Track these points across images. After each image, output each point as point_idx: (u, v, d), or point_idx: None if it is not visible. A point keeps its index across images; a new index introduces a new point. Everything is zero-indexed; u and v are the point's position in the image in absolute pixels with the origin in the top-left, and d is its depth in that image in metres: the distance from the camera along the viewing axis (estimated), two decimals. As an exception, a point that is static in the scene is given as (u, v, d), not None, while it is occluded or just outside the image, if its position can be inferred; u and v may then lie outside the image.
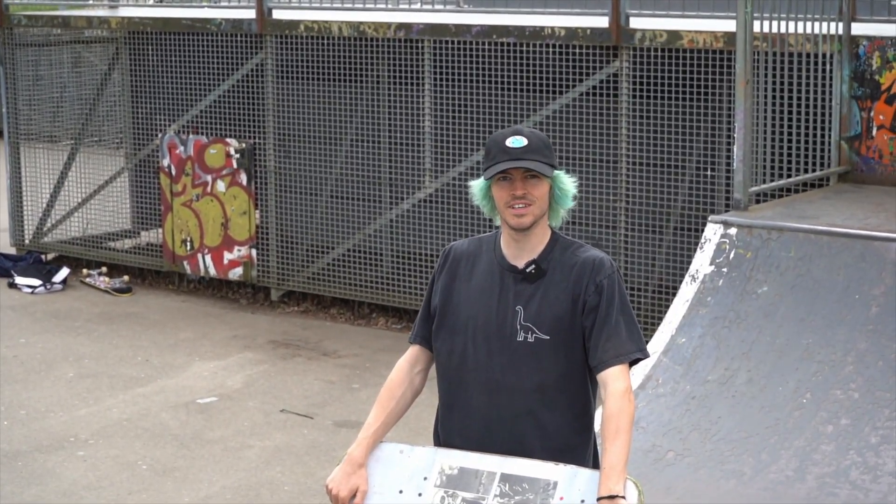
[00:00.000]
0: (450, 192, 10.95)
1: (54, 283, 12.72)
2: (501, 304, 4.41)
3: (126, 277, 12.88)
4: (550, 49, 10.24)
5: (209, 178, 12.15)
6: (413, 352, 4.61)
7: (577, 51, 10.10)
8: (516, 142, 4.34)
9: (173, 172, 12.41)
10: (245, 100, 12.04)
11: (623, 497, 4.13)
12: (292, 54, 11.72)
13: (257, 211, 11.96)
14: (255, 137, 11.97)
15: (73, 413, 9.24)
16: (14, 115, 13.81)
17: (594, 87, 10.13)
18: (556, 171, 4.41)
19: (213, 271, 12.23)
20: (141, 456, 8.46)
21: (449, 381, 4.52)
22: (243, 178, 11.94)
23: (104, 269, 13.05)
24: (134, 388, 9.78)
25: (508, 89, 10.55)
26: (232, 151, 11.99)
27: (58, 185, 13.69)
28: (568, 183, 4.44)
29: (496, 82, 10.61)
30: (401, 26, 10.93)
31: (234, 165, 11.97)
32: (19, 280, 12.74)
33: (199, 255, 12.28)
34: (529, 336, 4.37)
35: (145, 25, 12.64)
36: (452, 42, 10.71)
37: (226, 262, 12.11)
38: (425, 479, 4.32)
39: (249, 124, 12.00)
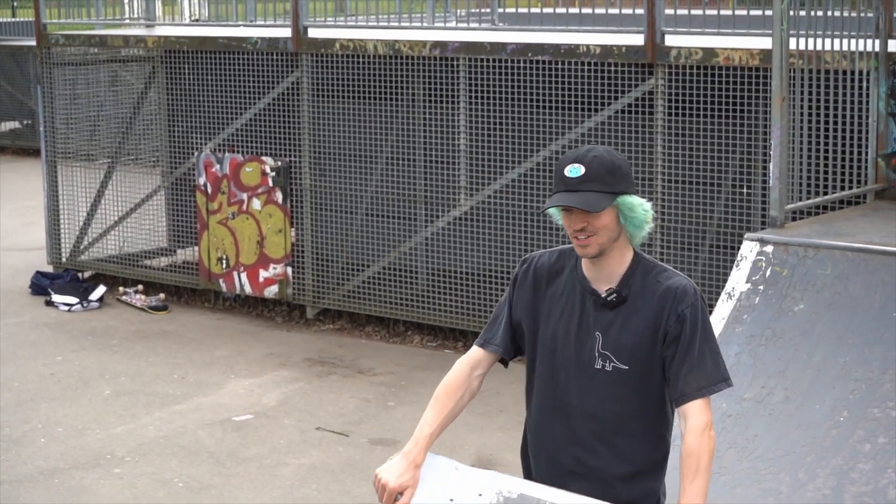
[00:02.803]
0: (485, 209, 10.96)
1: (91, 300, 12.78)
2: (582, 328, 4.29)
3: (162, 295, 12.93)
4: (586, 67, 10.24)
5: (245, 196, 12.19)
6: (476, 354, 4.48)
7: (613, 68, 10.10)
8: (573, 171, 4.17)
9: (209, 190, 12.45)
10: (281, 118, 12.08)
11: None
12: (328, 72, 11.75)
13: (293, 229, 11.99)
14: (290, 155, 12.00)
15: (109, 430, 9.27)
16: (51, 133, 13.88)
17: (629, 105, 10.13)
18: (622, 198, 4.19)
19: (248, 289, 12.26)
20: (177, 474, 8.48)
21: (532, 401, 4.44)
22: (279, 196, 11.97)
23: (140, 286, 13.10)
24: (170, 405, 9.81)
25: (544, 107, 10.55)
26: (268, 170, 12.03)
27: (94, 203, 13.76)
28: (637, 209, 4.21)
29: (531, 100, 10.62)
30: (436, 44, 10.95)
31: (270, 183, 12.01)
32: (56, 298, 12.80)
33: (235, 273, 12.31)
34: (608, 364, 4.26)
35: (181, 44, 12.70)
36: (488, 60, 10.72)
37: (261, 279, 12.15)
38: (480, 495, 4.27)
39: (285, 142, 12.03)
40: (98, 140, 14.25)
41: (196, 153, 12.64)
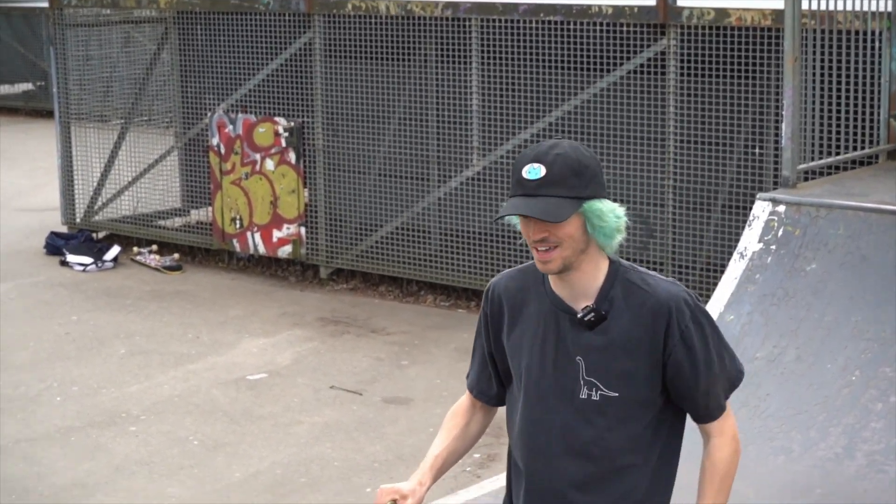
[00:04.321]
0: (497, 170, 10.98)
1: (105, 261, 12.84)
2: (560, 353, 3.72)
3: (176, 255, 12.99)
4: (598, 27, 10.24)
5: (258, 156, 12.23)
6: (473, 400, 4.02)
7: (625, 29, 10.10)
8: (532, 172, 3.57)
9: (222, 151, 12.49)
10: (293, 79, 12.10)
11: None
12: (340, 33, 11.76)
13: (306, 189, 12.02)
14: (303, 116, 12.02)
15: (124, 389, 9.34)
16: (65, 95, 13.92)
17: (641, 66, 10.13)
18: (590, 203, 3.59)
19: (262, 249, 12.31)
20: (192, 432, 8.55)
21: (511, 444, 3.92)
22: (292, 156, 12.01)
23: (155, 247, 13.16)
24: (184, 364, 9.88)
25: (556, 67, 10.55)
26: (280, 130, 12.06)
27: (108, 163, 13.80)
28: (607, 216, 3.60)
29: (543, 60, 10.62)
30: (448, 5, 10.95)
31: (283, 144, 12.04)
32: (71, 258, 12.86)
33: (249, 233, 12.36)
34: (594, 393, 3.69)
35: (194, 5, 12.70)
36: (500, 20, 10.72)
37: (275, 240, 12.19)
38: None
39: (298, 103, 12.05)
40: (111, 101, 14.28)
41: (209, 114, 12.67)
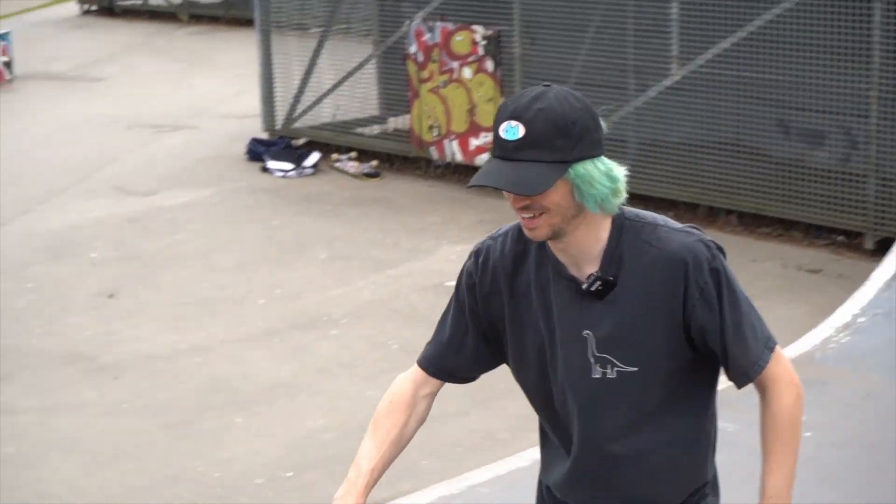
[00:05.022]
0: (697, 79, 10.88)
1: (305, 167, 13.08)
2: (565, 329, 3.26)
3: (375, 162, 13.16)
4: (804, -67, 10.04)
5: (456, 64, 12.29)
6: (420, 373, 3.50)
7: (832, -65, 9.88)
8: (510, 131, 3.07)
9: (420, 59, 12.58)
10: (492, -13, 12.09)
11: None
12: (539, -59, 11.71)
13: (503, 97, 12.06)
14: (500, 24, 12.03)
15: (325, 293, 9.54)
16: (265, 3, 14.11)
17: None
18: (578, 167, 3.07)
19: (459, 157, 12.40)
20: (392, 336, 8.71)
21: (541, 424, 3.52)
22: (489, 64, 12.04)
23: (353, 153, 13.35)
24: (384, 270, 10.04)
25: (759, -25, 10.38)
26: (478, 38, 12.09)
27: (307, 72, 13.99)
28: (599, 181, 3.09)
29: (746, -32, 10.45)
30: (650, -89, 10.82)
31: (481, 52, 12.08)
32: (271, 164, 13.13)
33: (446, 141, 12.46)
34: (609, 371, 3.24)
35: (394, -87, 12.75)
36: (702, -73, 10.57)
37: (472, 147, 12.27)
38: None
39: (495, 11, 12.06)
40: (310, 10, 14.44)
41: (407, 22, 12.75)
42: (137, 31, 23.15)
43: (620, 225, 3.20)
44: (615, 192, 3.11)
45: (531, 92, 3.12)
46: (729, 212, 10.73)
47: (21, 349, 8.58)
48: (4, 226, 11.40)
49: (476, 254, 3.42)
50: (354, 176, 12.91)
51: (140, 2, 24.87)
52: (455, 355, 3.45)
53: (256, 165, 13.33)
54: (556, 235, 3.15)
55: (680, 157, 10.98)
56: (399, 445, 3.43)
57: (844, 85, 10.05)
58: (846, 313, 8.45)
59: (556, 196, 3.07)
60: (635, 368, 3.22)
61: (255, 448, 7.10)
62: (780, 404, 3.24)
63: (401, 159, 13.21)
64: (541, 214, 3.10)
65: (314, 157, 13.25)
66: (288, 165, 13.07)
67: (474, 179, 3.10)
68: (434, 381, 3.48)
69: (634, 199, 11.92)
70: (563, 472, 3.42)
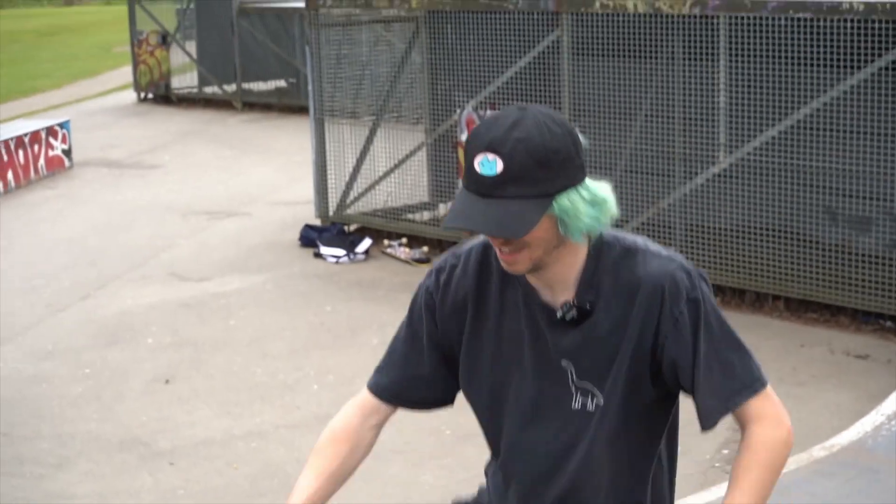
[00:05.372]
0: (744, 167, 11.00)
1: (357, 253, 13.24)
2: (540, 359, 3.07)
3: (425, 248, 13.31)
4: (848, 24, 10.17)
5: (505, 152, 12.42)
6: (370, 401, 3.36)
7: (876, 25, 10.01)
8: (486, 167, 2.84)
9: (471, 147, 12.72)
10: (541, 76, 12.29)
11: None
12: (588, 31, 11.88)
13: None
14: (550, 113, 12.17)
15: (378, 379, 9.61)
16: (319, 93, 14.35)
17: (893, 62, 10.03)
18: (562, 198, 2.86)
19: (508, 244, 12.50)
20: (444, 421, 8.76)
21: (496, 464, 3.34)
22: (539, 153, 12.17)
23: (404, 239, 13.52)
24: (435, 356, 10.10)
25: (804, 64, 10.51)
26: (528, 127, 12.22)
27: (360, 159, 14.19)
28: (582, 212, 2.88)
29: (792, 57, 10.59)
30: (696, 2, 10.99)
31: (530, 141, 12.21)
32: (324, 250, 13.30)
33: (496, 228, 12.55)
34: (590, 403, 3.03)
35: (444, 5, 12.99)
36: (748, 18, 10.73)
37: (521, 234, 12.36)
38: None
39: (545, 100, 12.22)
40: (362, 99, 14.67)
41: (458, 111, 12.95)
42: (192, 118, 23.50)
43: (599, 248, 3.03)
44: (601, 219, 2.92)
45: (506, 117, 2.87)
46: (776, 298, 10.82)
47: (77, 435, 8.71)
48: (62, 311, 11.61)
49: (438, 272, 3.21)
50: (405, 261, 13.07)
51: (196, 90, 25.26)
52: (409, 379, 3.27)
53: (309, 251, 13.51)
54: (537, 268, 2.98)
55: (726, 243, 11.08)
56: (338, 479, 3.26)
57: (891, 171, 10.14)
58: (897, 401, 8.48)
59: (539, 231, 2.89)
60: (616, 401, 3.03)
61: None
62: (763, 439, 2.98)
63: (451, 245, 13.35)
64: (521, 249, 2.92)
65: (366, 243, 13.42)
66: (340, 251, 13.24)
67: (450, 219, 2.90)
68: (385, 409, 3.33)
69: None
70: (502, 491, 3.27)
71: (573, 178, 2.88)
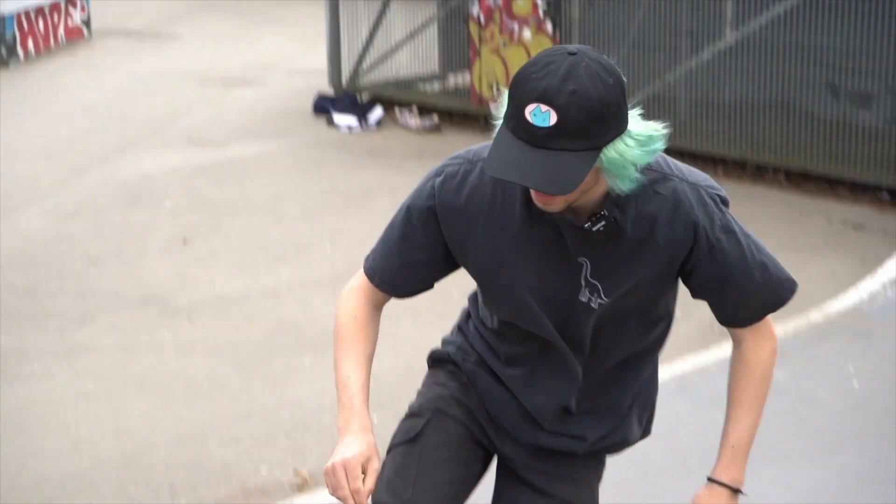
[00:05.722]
0: (749, 43, 11.12)
1: (369, 121, 13.42)
2: (558, 254, 3.05)
3: (435, 117, 13.49)
4: None
5: (516, 25, 12.58)
6: (370, 287, 3.35)
7: None
8: (539, 117, 2.71)
9: (482, 20, 12.88)
10: (552, -50, 12.32)
11: (743, 493, 3.22)
12: None
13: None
14: (560, -13, 12.23)
15: (388, 243, 9.80)
16: (333, -36, 14.40)
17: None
18: (610, 149, 2.75)
19: (517, 115, 12.64)
20: (452, 282, 8.74)
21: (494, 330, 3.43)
22: (549, 26, 12.32)
23: (415, 109, 13.68)
24: (444, 221, 10.28)
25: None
26: (539, 1, 12.37)
27: (373, 30, 14.30)
28: (628, 165, 2.79)
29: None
30: None
31: (541, 14, 12.36)
32: (337, 119, 13.47)
33: (505, 99, 12.70)
34: (594, 301, 3.07)
35: None
36: None
37: (530, 106, 12.51)
38: None
39: (555, -26, 12.31)
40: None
41: (470, -17, 13.02)
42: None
43: None
44: (646, 158, 2.82)
45: (559, 65, 2.72)
46: (776, 170, 11.04)
47: (100, 291, 8.84)
48: (84, 174, 11.83)
49: (447, 177, 3.16)
50: (415, 130, 13.26)
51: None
52: (408, 270, 3.26)
53: (322, 120, 13.67)
54: (570, 206, 2.94)
55: (730, 116, 11.24)
56: (371, 361, 3.26)
57: (893, 48, 10.26)
58: (893, 268, 8.64)
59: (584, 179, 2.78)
60: (608, 304, 3.08)
61: (323, 388, 7.14)
62: (757, 357, 3.17)
63: (460, 115, 13.56)
64: (555, 195, 2.81)
65: (378, 112, 13.58)
66: (353, 120, 13.41)
67: (496, 168, 2.78)
68: (383, 295, 3.32)
69: (684, 155, 12.17)
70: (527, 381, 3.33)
71: (621, 127, 2.76)
